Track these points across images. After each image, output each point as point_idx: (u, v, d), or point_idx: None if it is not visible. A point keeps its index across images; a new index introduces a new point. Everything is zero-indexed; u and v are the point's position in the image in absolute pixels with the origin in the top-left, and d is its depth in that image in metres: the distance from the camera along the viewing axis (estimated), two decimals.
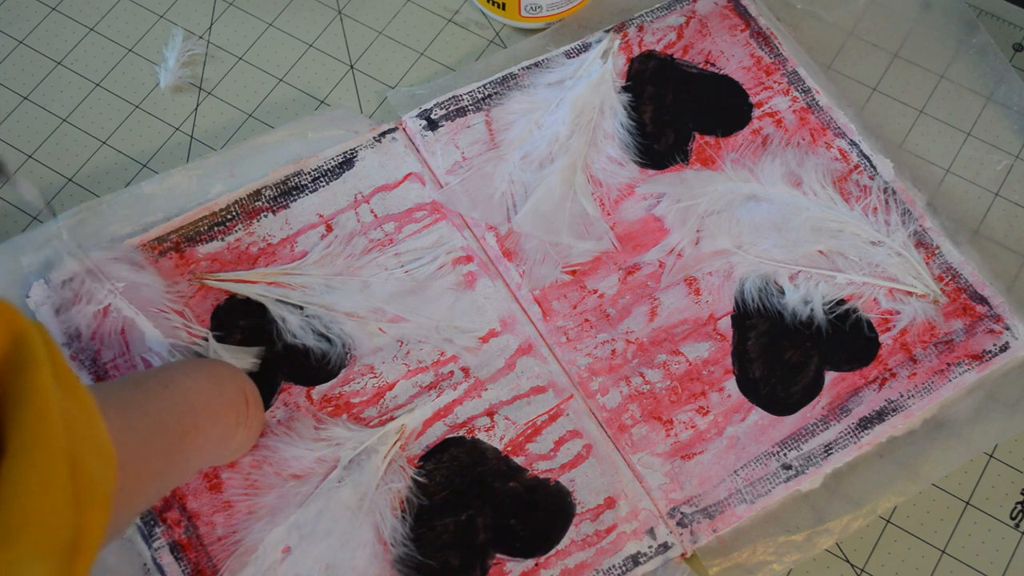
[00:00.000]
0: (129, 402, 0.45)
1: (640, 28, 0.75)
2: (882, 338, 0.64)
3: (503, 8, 0.75)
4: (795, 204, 0.68)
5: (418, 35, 0.77)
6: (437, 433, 0.61)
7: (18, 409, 0.32)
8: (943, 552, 0.60)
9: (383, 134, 0.70)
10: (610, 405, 0.62)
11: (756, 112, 0.72)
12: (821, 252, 0.66)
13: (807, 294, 0.65)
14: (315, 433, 0.60)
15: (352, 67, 0.75)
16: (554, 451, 0.61)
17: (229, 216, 0.66)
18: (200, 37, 0.76)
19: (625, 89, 0.72)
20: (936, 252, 0.67)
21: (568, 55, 0.73)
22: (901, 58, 0.76)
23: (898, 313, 0.65)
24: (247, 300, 0.64)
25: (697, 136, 0.71)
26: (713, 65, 0.74)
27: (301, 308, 0.63)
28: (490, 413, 0.62)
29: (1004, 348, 0.64)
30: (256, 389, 0.58)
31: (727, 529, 0.59)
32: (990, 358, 0.64)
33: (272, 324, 0.63)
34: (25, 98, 0.73)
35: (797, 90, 0.73)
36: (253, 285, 0.64)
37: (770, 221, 0.67)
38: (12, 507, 0.30)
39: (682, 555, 0.59)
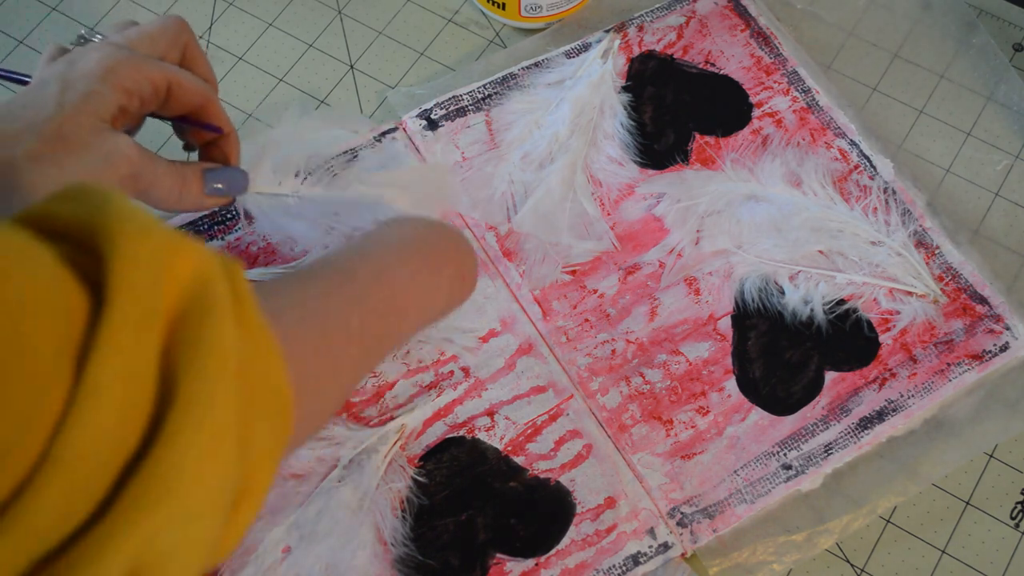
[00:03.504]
0: (333, 312, 0.43)
1: (640, 28, 0.75)
2: (882, 338, 0.64)
3: (503, 8, 0.75)
4: (795, 204, 0.68)
5: (418, 35, 0.77)
6: (437, 433, 0.61)
7: (192, 361, 0.31)
8: (943, 552, 0.60)
9: (383, 134, 0.70)
10: (610, 405, 0.62)
11: (756, 112, 0.72)
12: (821, 252, 0.66)
13: (807, 294, 0.65)
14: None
15: (352, 67, 0.75)
16: (554, 451, 0.61)
17: (229, 215, 0.66)
18: (200, 37, 0.76)
19: (625, 89, 0.72)
20: (936, 252, 0.67)
21: (568, 55, 0.73)
22: (901, 58, 0.76)
23: (898, 313, 0.65)
24: None
25: (697, 136, 0.71)
26: (713, 65, 0.74)
27: None
28: (490, 413, 0.62)
29: (1004, 348, 0.64)
30: (475, 257, 0.55)
31: (727, 529, 0.59)
32: (990, 358, 0.64)
33: None
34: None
35: (797, 90, 0.73)
36: (253, 284, 0.64)
37: (770, 221, 0.67)
38: (177, 464, 0.30)
39: (682, 555, 0.59)
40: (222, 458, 0.32)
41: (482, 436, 0.61)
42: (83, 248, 0.30)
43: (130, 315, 0.29)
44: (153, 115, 0.55)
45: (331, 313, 0.43)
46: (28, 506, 0.27)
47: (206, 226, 0.66)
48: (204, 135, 0.57)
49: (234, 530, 0.35)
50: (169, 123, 0.57)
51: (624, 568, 0.58)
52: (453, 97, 0.71)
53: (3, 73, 0.56)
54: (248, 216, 0.64)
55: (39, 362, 0.28)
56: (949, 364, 0.63)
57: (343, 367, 0.44)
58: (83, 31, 0.56)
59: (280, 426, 0.36)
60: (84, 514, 0.28)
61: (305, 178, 0.66)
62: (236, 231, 0.66)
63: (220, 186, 0.56)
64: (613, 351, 0.64)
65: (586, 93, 0.71)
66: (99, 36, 0.55)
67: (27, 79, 0.55)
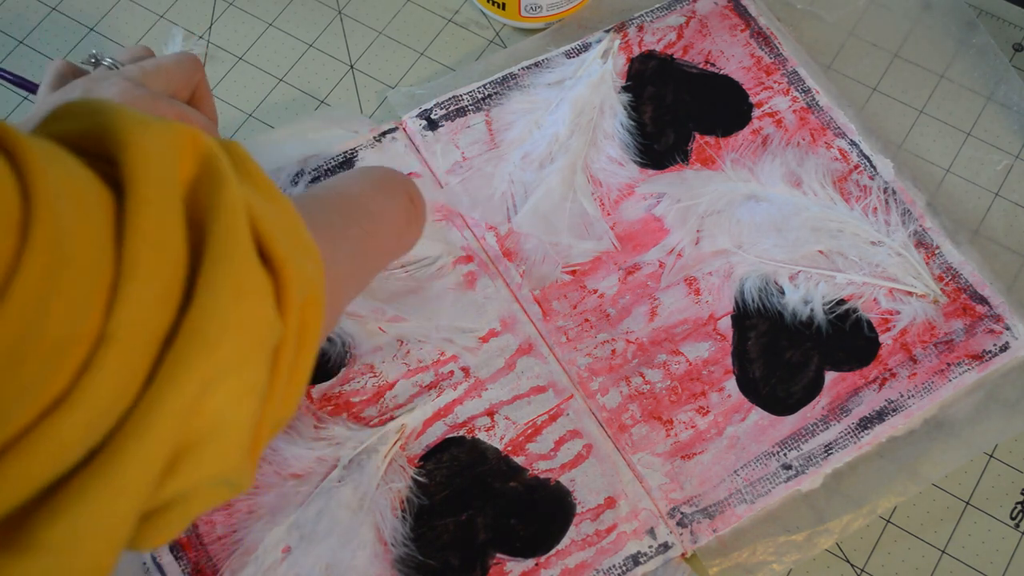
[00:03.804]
0: (314, 213, 0.45)
1: (640, 28, 0.75)
2: (882, 338, 0.64)
3: (503, 8, 0.75)
4: (795, 204, 0.68)
5: (418, 35, 0.77)
6: (437, 433, 0.61)
7: (213, 223, 0.33)
8: (943, 552, 0.60)
9: (383, 134, 0.70)
10: (610, 405, 0.62)
11: (756, 112, 0.72)
12: (821, 252, 0.66)
13: (807, 294, 0.65)
14: (315, 432, 0.60)
15: (352, 67, 0.75)
16: (554, 451, 0.61)
17: None
18: (200, 37, 0.76)
19: (625, 89, 0.72)
20: (936, 252, 0.67)
21: (568, 55, 0.73)
22: (901, 58, 0.76)
23: (898, 313, 0.65)
24: None
25: (697, 136, 0.71)
26: (713, 65, 0.74)
27: None
28: (490, 413, 0.62)
29: (1004, 348, 0.64)
30: (416, 186, 0.59)
31: (727, 529, 0.59)
32: (990, 358, 0.64)
33: None
34: (25, 98, 0.73)
35: (797, 90, 0.73)
36: None
37: (770, 221, 0.67)
38: (211, 315, 0.32)
39: (682, 555, 0.59)
40: (254, 301, 0.34)
41: (482, 436, 0.61)
42: (93, 156, 0.32)
43: (152, 197, 0.31)
44: None
45: (315, 215, 0.45)
46: (90, 384, 0.29)
47: None
48: None
49: (291, 379, 0.37)
50: None
51: (624, 568, 0.58)
52: (453, 97, 0.71)
53: (10, 77, 0.56)
54: None
55: (86, 245, 0.30)
56: (949, 364, 0.63)
57: (340, 264, 0.47)
58: (95, 52, 0.56)
59: (319, 274, 0.39)
60: (137, 386, 0.31)
61: (310, 180, 0.66)
62: None
63: None
64: (613, 351, 0.64)
65: (586, 93, 0.71)
66: (109, 59, 0.55)
67: (35, 84, 0.55)
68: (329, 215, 0.49)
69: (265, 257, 0.35)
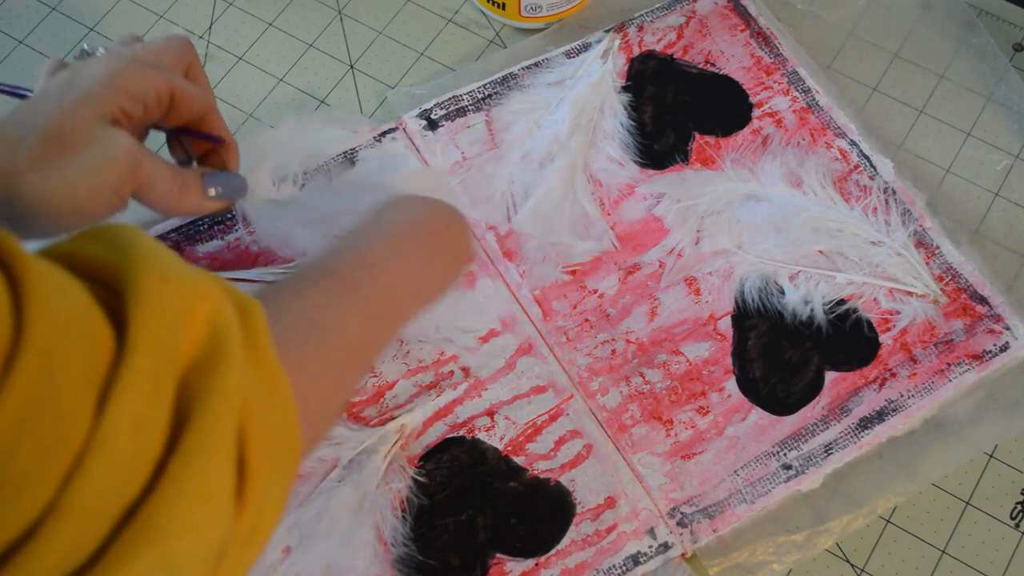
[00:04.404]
0: (331, 332, 0.43)
1: (640, 28, 0.75)
2: (882, 338, 0.64)
3: (503, 8, 0.75)
4: (795, 204, 0.68)
5: (418, 35, 0.77)
6: (437, 433, 0.61)
7: (200, 412, 0.32)
8: (943, 552, 0.60)
9: (383, 134, 0.70)
10: (610, 405, 0.62)
11: (756, 112, 0.72)
12: (821, 252, 0.66)
13: (807, 294, 0.65)
14: None
15: (352, 67, 0.75)
16: (554, 451, 0.61)
17: (228, 215, 0.66)
18: (200, 37, 0.76)
19: (625, 89, 0.72)
20: (936, 252, 0.67)
21: (568, 55, 0.73)
22: (901, 58, 0.76)
23: (898, 313, 0.65)
24: None
25: (697, 136, 0.71)
26: (713, 65, 0.74)
27: None
28: (490, 413, 0.62)
29: (1004, 348, 0.64)
30: (471, 246, 0.56)
31: (727, 529, 0.59)
32: (990, 358, 0.64)
33: None
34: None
35: (797, 90, 0.73)
36: (253, 284, 0.64)
37: (770, 221, 0.67)
38: (171, 510, 0.31)
39: (682, 555, 0.59)
40: (215, 508, 0.32)
41: (482, 436, 0.61)
42: (107, 287, 0.31)
43: (148, 366, 0.30)
44: (154, 126, 0.55)
45: (333, 326, 0.44)
46: (38, 549, 0.28)
47: (207, 225, 0.66)
48: (203, 145, 0.57)
49: (236, 570, 0.35)
50: (166, 135, 0.57)
51: (624, 568, 0.58)
52: (453, 97, 0.71)
53: (3, 88, 0.56)
54: (247, 222, 0.64)
55: (69, 394, 0.28)
56: (949, 364, 0.63)
57: (345, 377, 0.45)
58: (86, 46, 0.56)
59: (291, 471, 0.37)
60: (84, 557, 0.29)
61: (303, 184, 0.66)
62: (235, 231, 0.66)
63: (220, 189, 0.56)
64: (613, 351, 0.64)
65: (586, 93, 0.71)
66: (102, 50, 0.55)
67: (27, 93, 0.55)
68: (345, 327, 0.45)
69: (241, 459, 0.34)
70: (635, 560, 0.58)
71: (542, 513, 0.59)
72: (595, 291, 0.66)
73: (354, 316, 0.46)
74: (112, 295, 0.31)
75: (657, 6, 0.76)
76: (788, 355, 0.64)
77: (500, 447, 0.61)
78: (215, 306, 0.33)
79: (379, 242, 0.51)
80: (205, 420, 0.32)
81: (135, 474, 0.30)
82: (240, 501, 0.34)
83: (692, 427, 0.62)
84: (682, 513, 0.59)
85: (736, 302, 0.65)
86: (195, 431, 0.31)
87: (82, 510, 0.28)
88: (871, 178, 0.69)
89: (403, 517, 0.58)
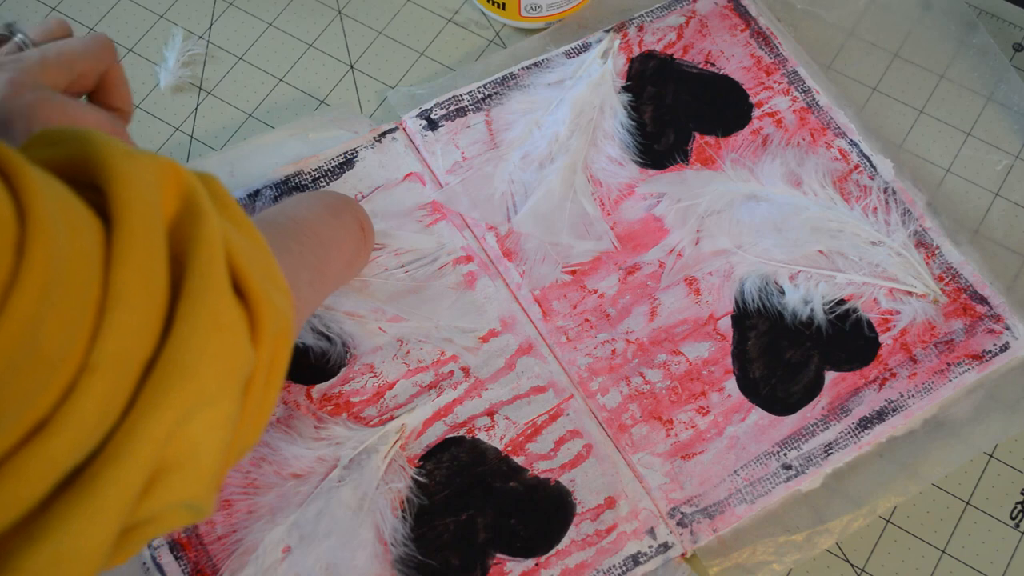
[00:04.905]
0: (272, 240, 0.47)
1: (640, 28, 0.75)
2: (882, 338, 0.64)
3: (503, 8, 0.75)
4: (795, 204, 0.68)
5: (418, 35, 0.77)
6: (437, 433, 0.61)
7: (193, 258, 0.34)
8: (943, 552, 0.60)
9: (383, 134, 0.70)
10: (610, 405, 0.62)
11: (756, 112, 0.72)
12: (821, 252, 0.66)
13: (807, 294, 0.65)
14: (315, 432, 0.60)
15: (352, 67, 0.75)
16: (554, 451, 0.61)
17: None
18: (200, 37, 0.76)
19: (625, 89, 0.72)
20: (936, 252, 0.67)
21: (568, 55, 0.73)
22: (901, 58, 0.76)
23: (898, 313, 0.65)
24: None
25: (697, 136, 0.71)
26: (713, 65, 0.74)
27: None
28: (490, 413, 0.62)
29: (1004, 348, 0.64)
30: (366, 212, 0.61)
31: (727, 529, 0.59)
32: (990, 358, 0.64)
33: None
34: None
35: (797, 90, 0.73)
36: None
37: (770, 221, 0.67)
38: (190, 345, 0.33)
39: (682, 555, 0.59)
40: (230, 338, 0.35)
41: (482, 436, 0.61)
42: (75, 184, 0.33)
43: (138, 228, 0.32)
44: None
45: (274, 242, 0.46)
46: (75, 407, 0.30)
47: None
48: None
49: (259, 410, 0.38)
50: None
51: (624, 568, 0.58)
52: (453, 97, 0.71)
53: None
54: None
55: (76, 267, 0.30)
56: (949, 364, 0.63)
57: (298, 291, 0.48)
58: (10, 22, 0.53)
59: (289, 308, 0.40)
60: (118, 411, 0.31)
61: (291, 190, 0.66)
62: None
63: None
64: (613, 351, 0.64)
65: (586, 93, 0.71)
66: (20, 35, 0.52)
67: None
68: (287, 242, 0.50)
69: (240, 291, 0.36)
70: (635, 560, 0.58)
71: (542, 513, 0.59)
72: (595, 291, 0.66)
73: (292, 241, 0.51)
74: (85, 191, 0.33)
75: (657, 6, 0.76)
76: (788, 355, 0.64)
77: (500, 447, 0.61)
78: (180, 174, 0.36)
79: (293, 205, 0.58)
80: (199, 263, 0.34)
81: (149, 323, 0.32)
82: (254, 330, 0.37)
83: (692, 427, 0.62)
84: (682, 513, 0.59)
85: (736, 302, 0.65)
86: (193, 274, 0.34)
87: (110, 364, 0.30)
88: (871, 178, 0.69)
89: (403, 517, 0.58)
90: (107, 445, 0.31)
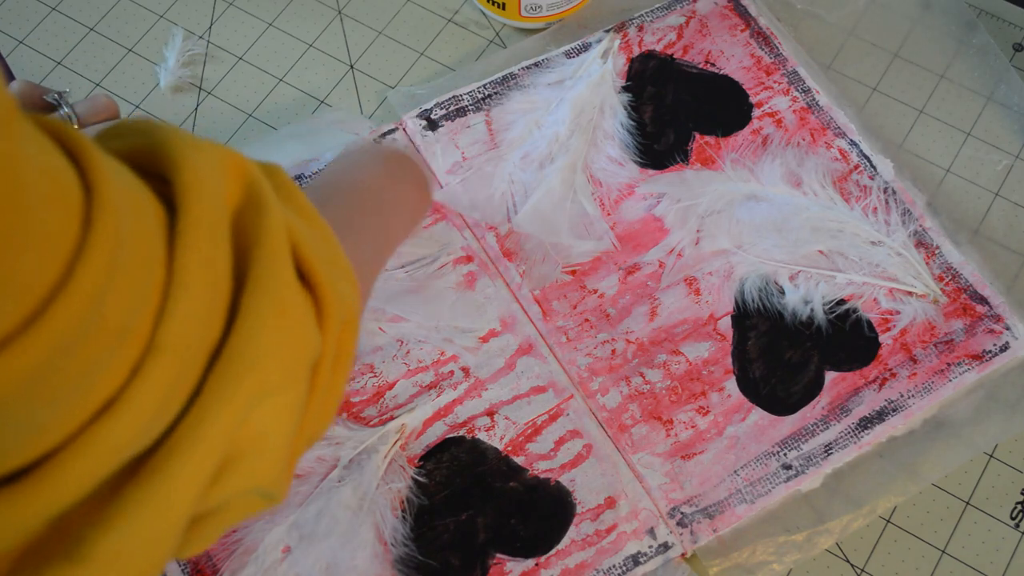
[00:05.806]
0: (334, 209, 0.47)
1: (640, 28, 0.75)
2: (882, 338, 0.64)
3: (503, 8, 0.75)
4: (795, 204, 0.68)
5: (418, 35, 0.77)
6: (437, 433, 0.61)
7: (257, 247, 0.34)
8: (943, 552, 0.60)
9: (383, 134, 0.70)
10: (610, 405, 0.62)
11: (756, 112, 0.72)
12: (821, 252, 0.66)
13: (807, 294, 0.65)
14: None
15: (352, 67, 0.75)
16: (554, 451, 0.61)
17: None
18: (200, 37, 0.76)
19: (625, 89, 0.72)
20: (936, 252, 0.67)
21: (568, 55, 0.73)
22: (901, 58, 0.76)
23: (898, 313, 0.65)
24: None
25: (697, 136, 0.71)
26: (713, 65, 0.74)
27: None
28: (490, 413, 0.62)
29: (1004, 348, 0.64)
30: (424, 171, 0.62)
31: (727, 529, 0.59)
32: (990, 358, 0.64)
33: None
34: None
35: (797, 90, 0.73)
36: None
37: (770, 221, 0.67)
38: (257, 334, 0.33)
39: (682, 555, 0.59)
40: (296, 328, 0.35)
41: (482, 436, 0.61)
42: (142, 173, 0.33)
43: (203, 217, 0.32)
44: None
45: (335, 211, 0.47)
46: (140, 390, 0.30)
47: None
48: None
49: (327, 396, 0.38)
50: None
51: (624, 568, 0.58)
52: (453, 97, 0.71)
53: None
54: None
55: (149, 256, 0.30)
56: (949, 364, 0.63)
57: (361, 263, 0.48)
58: (61, 92, 0.55)
59: (355, 294, 0.40)
60: (183, 397, 0.31)
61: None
62: None
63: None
64: (613, 351, 0.64)
65: (586, 93, 0.71)
66: (66, 109, 0.55)
67: (64, 92, 0.55)
68: (350, 215, 0.50)
69: (305, 280, 0.37)
70: (635, 560, 0.58)
71: (542, 513, 0.59)
72: (595, 291, 0.66)
73: (355, 213, 0.51)
74: (151, 180, 0.33)
75: (657, 6, 0.76)
76: (788, 355, 0.64)
77: (500, 447, 0.61)
78: (244, 165, 0.36)
79: (355, 170, 0.57)
80: (263, 253, 0.34)
81: (213, 312, 0.32)
82: (320, 318, 0.37)
83: (692, 427, 0.62)
84: (682, 513, 0.59)
85: (736, 302, 0.65)
86: (258, 265, 0.34)
87: (175, 347, 0.30)
88: (871, 178, 0.69)
89: (403, 517, 0.58)
90: (174, 433, 0.31)
